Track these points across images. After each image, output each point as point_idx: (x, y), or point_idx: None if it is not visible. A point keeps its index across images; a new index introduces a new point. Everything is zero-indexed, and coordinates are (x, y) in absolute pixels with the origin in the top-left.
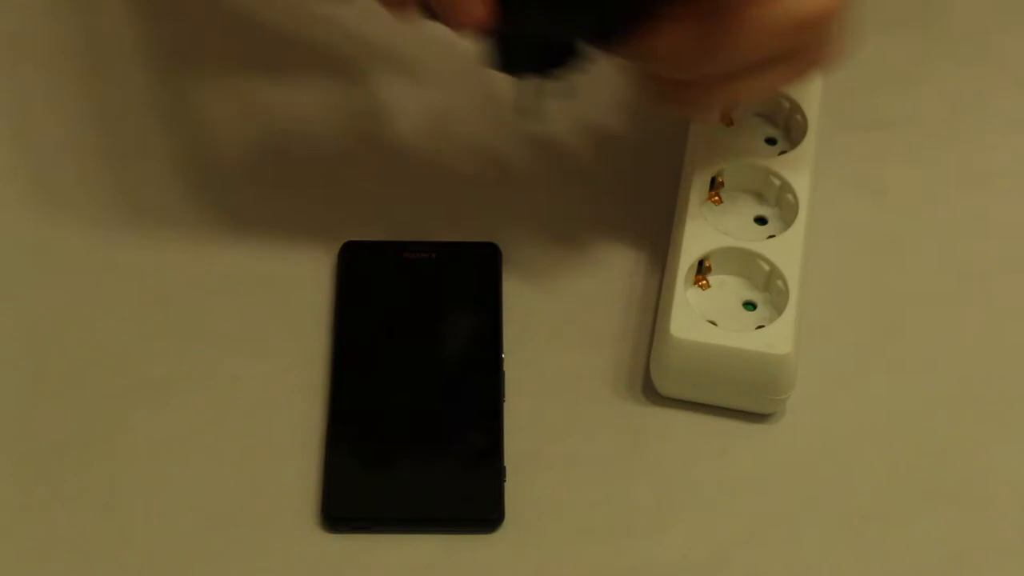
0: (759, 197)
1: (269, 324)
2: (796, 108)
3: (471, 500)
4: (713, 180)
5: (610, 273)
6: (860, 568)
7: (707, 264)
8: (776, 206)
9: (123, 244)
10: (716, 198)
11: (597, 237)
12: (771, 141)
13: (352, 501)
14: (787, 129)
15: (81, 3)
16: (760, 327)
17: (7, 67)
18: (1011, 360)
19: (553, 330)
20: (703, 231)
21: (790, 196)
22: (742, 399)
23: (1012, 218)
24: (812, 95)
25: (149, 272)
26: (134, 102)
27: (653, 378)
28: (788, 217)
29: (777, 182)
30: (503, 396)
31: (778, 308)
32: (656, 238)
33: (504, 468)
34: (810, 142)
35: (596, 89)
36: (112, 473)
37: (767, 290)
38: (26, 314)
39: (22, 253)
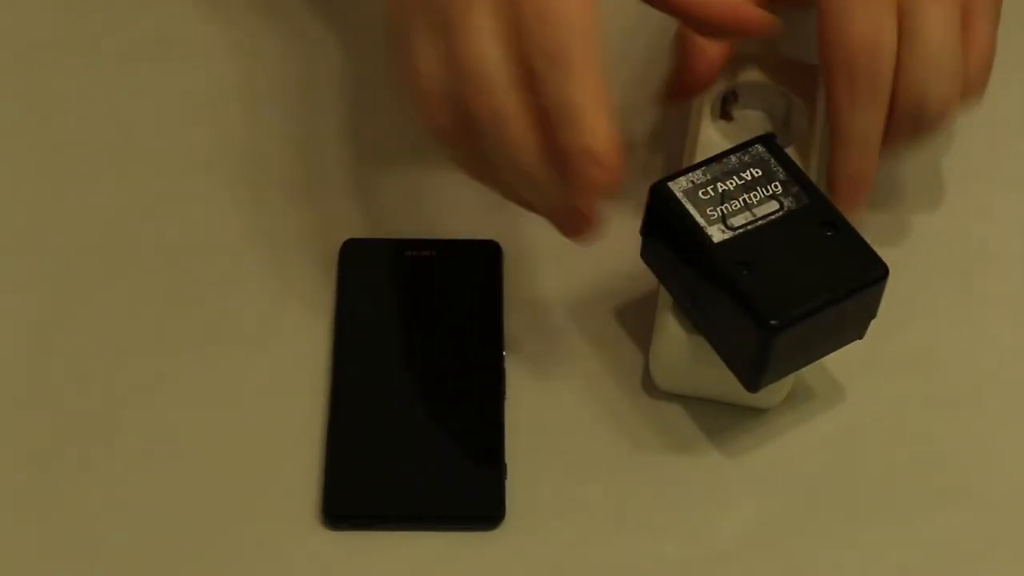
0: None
1: (270, 322)
2: (796, 104)
3: (472, 497)
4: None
5: (610, 270)
6: (860, 568)
7: None
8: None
9: (123, 243)
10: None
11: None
12: (772, 136)
13: (353, 499)
14: (787, 124)
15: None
16: None
17: (6, 63)
18: (1012, 360)
19: (554, 327)
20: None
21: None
22: (741, 394)
23: (1012, 217)
24: (812, 91)
25: (150, 270)
26: (133, 99)
27: (652, 374)
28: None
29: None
30: (504, 393)
31: None
32: None
33: (505, 465)
34: (810, 138)
35: None
36: (113, 470)
37: None
38: (26, 314)
39: (22, 253)
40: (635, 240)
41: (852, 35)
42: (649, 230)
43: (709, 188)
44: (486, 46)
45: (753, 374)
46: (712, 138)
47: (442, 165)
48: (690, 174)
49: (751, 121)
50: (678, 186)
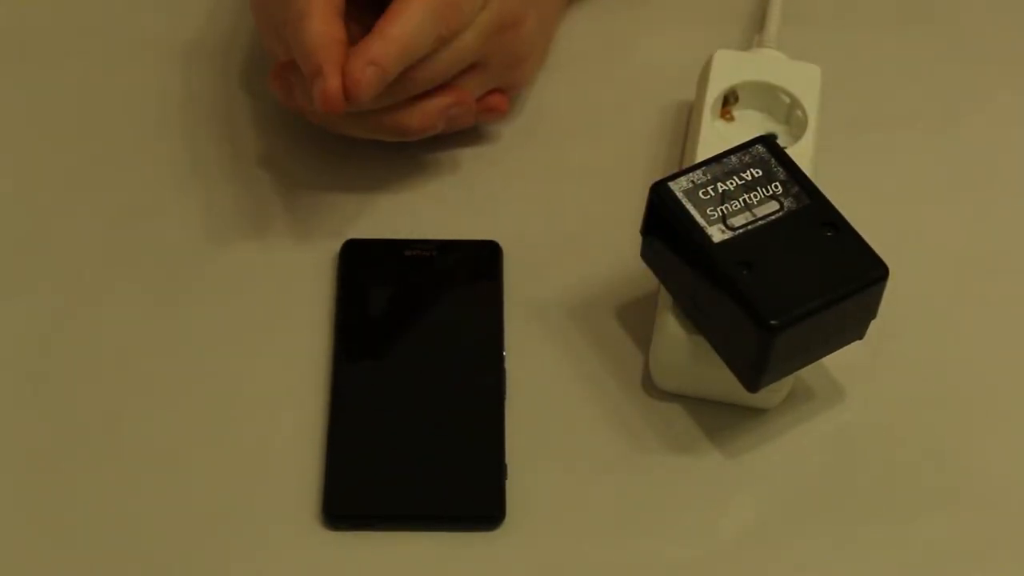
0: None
1: (270, 322)
2: (796, 103)
3: (472, 497)
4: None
5: (611, 270)
6: (860, 568)
7: None
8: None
9: (122, 244)
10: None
11: (598, 235)
12: (772, 136)
13: (353, 499)
14: (788, 124)
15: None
16: None
17: (5, 63)
18: (1011, 360)
19: (554, 327)
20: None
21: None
22: (741, 394)
23: (1012, 216)
24: (812, 90)
25: (149, 271)
26: (135, 98)
27: (652, 374)
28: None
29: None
30: (504, 393)
31: None
32: None
33: (505, 465)
34: (810, 138)
35: (599, 87)
36: (113, 470)
37: None
38: (26, 314)
39: (23, 253)
40: (635, 240)
41: None
42: (649, 230)
43: (709, 188)
44: None
45: (753, 374)
46: (712, 138)
47: (442, 166)
48: (690, 174)
49: (751, 121)
50: (678, 186)
